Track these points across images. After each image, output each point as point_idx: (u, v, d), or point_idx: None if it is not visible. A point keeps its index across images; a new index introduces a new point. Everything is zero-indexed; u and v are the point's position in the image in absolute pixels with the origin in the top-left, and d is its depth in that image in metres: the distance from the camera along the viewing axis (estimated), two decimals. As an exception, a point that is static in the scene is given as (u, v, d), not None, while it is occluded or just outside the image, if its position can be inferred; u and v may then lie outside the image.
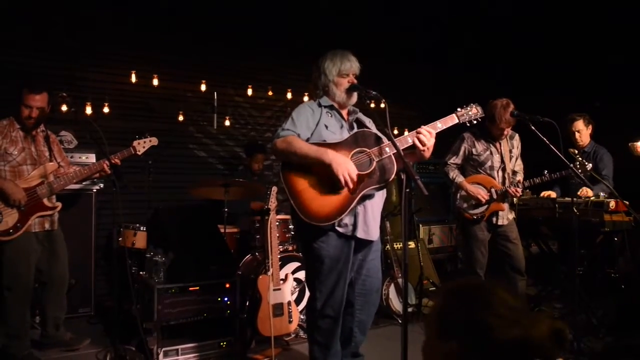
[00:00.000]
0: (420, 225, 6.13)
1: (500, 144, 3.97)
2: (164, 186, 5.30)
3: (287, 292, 3.80)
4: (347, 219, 2.74)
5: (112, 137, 4.39)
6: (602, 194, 4.18)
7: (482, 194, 3.87)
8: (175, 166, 5.50)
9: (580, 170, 3.58)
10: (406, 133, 2.82)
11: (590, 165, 3.74)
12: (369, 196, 2.79)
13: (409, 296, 4.53)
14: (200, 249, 3.92)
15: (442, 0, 6.45)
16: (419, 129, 2.74)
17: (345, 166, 2.61)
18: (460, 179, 3.97)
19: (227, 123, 5.83)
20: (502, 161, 3.96)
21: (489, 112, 3.76)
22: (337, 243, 2.75)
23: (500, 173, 3.96)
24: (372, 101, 2.83)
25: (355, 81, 2.91)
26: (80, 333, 3.94)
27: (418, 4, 6.45)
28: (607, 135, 4.53)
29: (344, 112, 2.96)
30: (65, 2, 4.91)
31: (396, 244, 5.07)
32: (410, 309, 4.53)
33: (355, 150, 2.75)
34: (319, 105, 2.90)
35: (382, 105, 2.61)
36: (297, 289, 4.09)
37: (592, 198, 4.17)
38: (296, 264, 4.13)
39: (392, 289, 4.59)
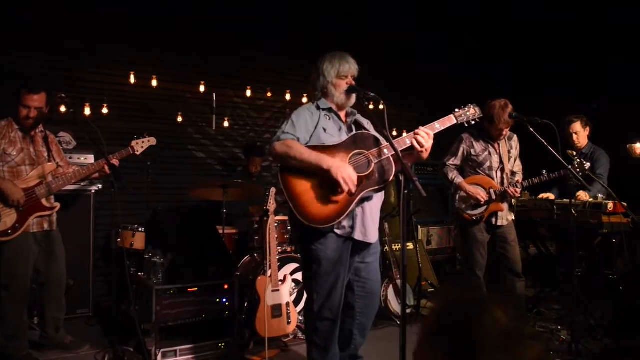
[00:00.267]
0: (419, 227, 6.13)
1: (499, 144, 3.98)
2: (163, 187, 5.29)
3: (286, 294, 3.80)
4: (346, 221, 2.74)
5: (110, 137, 4.40)
6: (600, 195, 4.19)
7: (481, 194, 3.88)
8: (174, 167, 5.51)
9: (578, 170, 3.59)
10: (405, 134, 2.82)
11: (589, 164, 3.75)
12: (368, 198, 2.79)
13: (407, 297, 4.54)
14: (198, 250, 3.92)
15: (442, 0, 6.47)
16: (416, 131, 2.74)
17: (344, 170, 2.61)
18: (459, 179, 3.98)
19: (226, 124, 5.83)
20: (501, 162, 3.97)
21: (487, 113, 3.76)
22: (335, 245, 2.75)
23: (499, 174, 3.97)
24: (371, 102, 2.83)
25: (353, 83, 2.91)
26: (78, 334, 3.94)
27: (418, 5, 6.47)
28: (605, 137, 4.55)
29: (342, 114, 2.97)
30: (65, 2, 4.91)
31: (395, 246, 5.07)
32: (408, 311, 4.52)
33: (353, 152, 2.75)
34: (318, 108, 2.90)
35: (381, 107, 2.61)
36: (296, 290, 4.09)
37: (590, 200, 4.18)
38: (295, 265, 4.13)
39: (390, 290, 4.59)
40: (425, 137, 2.72)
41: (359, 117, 3.04)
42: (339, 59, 2.89)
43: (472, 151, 3.99)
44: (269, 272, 3.73)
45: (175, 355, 3.50)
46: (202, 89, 5.64)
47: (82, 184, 4.37)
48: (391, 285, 4.60)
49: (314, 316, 2.82)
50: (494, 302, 1.13)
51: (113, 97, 5.20)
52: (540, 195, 4.52)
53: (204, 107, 5.75)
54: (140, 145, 3.71)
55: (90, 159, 4.53)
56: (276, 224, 4.14)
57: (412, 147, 2.74)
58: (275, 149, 2.75)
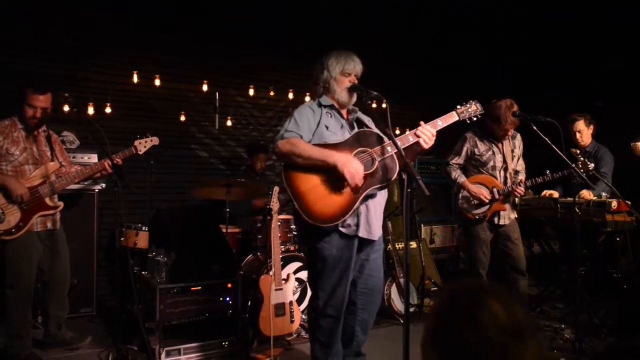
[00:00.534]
0: (422, 225, 6.13)
1: (502, 144, 3.97)
2: (166, 186, 5.31)
3: (289, 292, 3.80)
4: (350, 219, 2.74)
5: (114, 137, 4.39)
6: (604, 194, 4.18)
7: (484, 194, 3.87)
8: (177, 166, 5.52)
9: (582, 169, 3.58)
10: (407, 132, 2.83)
11: (592, 164, 3.74)
12: (372, 196, 2.80)
13: (410, 296, 4.55)
14: (202, 249, 3.92)
15: (442, 0, 6.46)
16: (419, 127, 2.77)
17: (351, 165, 2.63)
18: (462, 179, 3.97)
19: (229, 123, 5.84)
20: (504, 161, 3.96)
21: (493, 113, 3.76)
22: (340, 243, 2.75)
23: (502, 173, 3.96)
24: (374, 101, 2.84)
25: (356, 82, 2.92)
26: (82, 333, 3.94)
27: (418, 4, 6.46)
28: (609, 135, 4.53)
29: (344, 112, 2.97)
30: (65, 2, 4.92)
31: (398, 244, 5.06)
32: (412, 309, 4.53)
33: (357, 150, 2.75)
34: (319, 105, 2.91)
35: (384, 105, 2.62)
36: (299, 289, 4.09)
37: (594, 198, 4.17)
38: (298, 264, 4.14)
39: (394, 289, 4.58)
40: (428, 134, 2.75)
41: (360, 114, 3.05)
42: (345, 57, 2.91)
43: (476, 150, 3.98)
44: (272, 271, 3.74)
45: (178, 353, 3.50)
46: (205, 88, 5.65)
47: (85, 183, 4.38)
48: (394, 284, 4.60)
49: (318, 313, 2.83)
50: (493, 296, 1.11)
51: (116, 97, 5.21)
52: (544, 192, 4.51)
53: (207, 106, 5.76)
54: (143, 145, 3.72)
55: (93, 158, 4.54)
56: (279, 223, 4.14)
57: (414, 143, 2.77)
58: (279, 147, 2.75)
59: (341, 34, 5.40)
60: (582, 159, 3.68)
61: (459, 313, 1.10)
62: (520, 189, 3.84)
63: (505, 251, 3.95)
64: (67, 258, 3.76)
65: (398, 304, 4.54)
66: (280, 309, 3.70)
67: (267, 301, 3.67)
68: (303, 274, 4.10)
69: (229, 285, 3.77)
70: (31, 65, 4.78)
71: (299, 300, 4.05)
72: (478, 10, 6.38)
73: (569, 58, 6.14)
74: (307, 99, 5.89)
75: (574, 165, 3.53)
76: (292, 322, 3.76)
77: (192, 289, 3.63)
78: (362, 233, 2.78)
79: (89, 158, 4.54)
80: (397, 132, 6.34)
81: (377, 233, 2.88)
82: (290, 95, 6.15)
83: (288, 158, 2.74)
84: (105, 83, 5.17)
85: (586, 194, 4.21)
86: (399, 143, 2.63)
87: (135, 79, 5.28)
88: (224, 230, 4.24)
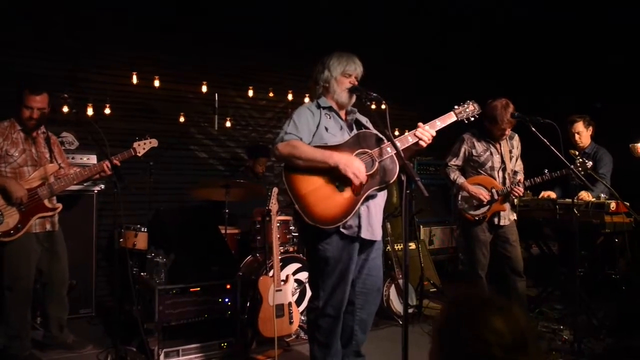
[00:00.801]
0: (421, 226, 6.13)
1: (500, 144, 3.97)
2: (165, 187, 5.31)
3: (288, 293, 3.80)
4: (352, 221, 2.75)
5: (113, 138, 4.40)
6: (602, 195, 4.18)
7: (483, 194, 3.87)
8: (176, 167, 5.51)
9: (580, 169, 3.58)
10: (406, 133, 2.84)
11: (591, 163, 3.74)
12: (372, 197, 2.81)
13: (409, 297, 4.55)
14: (201, 250, 3.93)
15: (442, 0, 6.47)
16: (418, 129, 2.80)
17: (353, 164, 2.65)
18: (461, 180, 3.97)
19: (228, 124, 5.84)
20: (503, 161, 3.96)
21: (489, 114, 3.76)
22: (340, 244, 2.76)
23: (500, 173, 3.96)
24: (373, 102, 2.85)
25: (356, 83, 2.93)
26: (81, 334, 3.94)
27: (418, 5, 6.47)
28: (608, 136, 4.54)
29: (342, 113, 2.98)
30: (65, 2, 4.92)
31: (397, 245, 5.07)
32: (410, 310, 4.53)
33: (357, 152, 2.76)
34: (318, 106, 2.91)
35: (383, 107, 2.63)
36: (298, 290, 4.10)
37: (592, 199, 4.17)
38: (297, 265, 4.14)
39: (392, 290, 4.58)
40: (427, 135, 2.79)
41: (358, 115, 3.06)
42: (346, 58, 2.92)
43: (474, 151, 3.98)
44: (271, 272, 3.74)
45: (177, 355, 3.50)
46: (204, 89, 5.65)
47: (84, 184, 4.38)
48: (393, 285, 4.60)
49: (318, 313, 2.84)
50: (496, 310, 1.12)
51: (115, 98, 5.20)
52: (542, 194, 4.51)
53: (206, 107, 5.75)
54: (142, 147, 3.72)
55: (92, 159, 4.54)
56: (278, 224, 4.14)
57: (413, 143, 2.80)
58: (279, 150, 2.76)
59: (341, 34, 5.41)
60: (580, 159, 3.68)
61: (463, 329, 1.12)
62: (519, 189, 3.84)
63: (503, 253, 3.95)
64: (66, 259, 3.76)
65: (397, 305, 4.55)
66: (279, 310, 3.70)
67: (266, 302, 3.67)
68: (302, 275, 4.10)
69: (228, 286, 3.77)
70: (31, 66, 4.77)
71: (298, 302, 4.05)
72: (478, 10, 6.40)
73: (568, 59, 6.15)
74: (307, 100, 5.90)
75: (572, 166, 3.54)
76: (291, 323, 3.76)
77: (191, 290, 3.63)
78: (364, 234, 2.79)
79: (88, 159, 4.54)
80: (397, 132, 6.35)
81: (378, 234, 2.90)
82: (290, 97, 6.16)
83: (289, 160, 2.74)
84: (104, 84, 5.16)
85: (585, 196, 4.21)
86: (398, 144, 2.64)
87: (134, 79, 5.27)
88: (223, 231, 4.24)
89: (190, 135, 5.70)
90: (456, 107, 2.98)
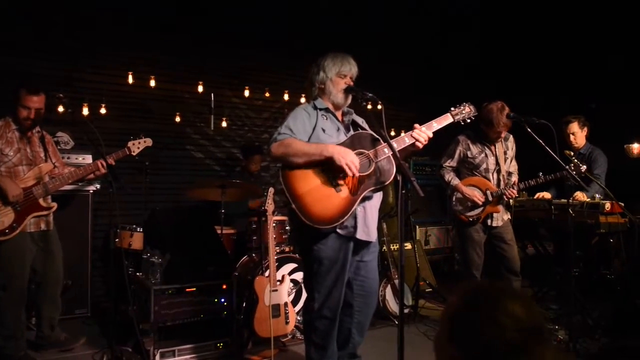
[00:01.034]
0: (417, 227, 6.14)
1: (495, 146, 3.99)
2: (161, 187, 5.29)
3: (284, 293, 3.80)
4: (348, 221, 2.75)
5: (109, 138, 4.39)
6: (597, 195, 4.20)
7: (477, 196, 3.88)
8: (172, 167, 5.50)
9: (574, 171, 3.60)
10: (403, 134, 2.85)
11: (585, 167, 3.75)
12: (368, 198, 2.81)
13: (405, 297, 4.56)
14: (196, 250, 3.92)
15: (440, 0, 6.48)
16: (414, 130, 2.81)
17: (346, 155, 2.65)
18: (455, 181, 3.98)
19: (224, 124, 5.84)
20: (497, 163, 3.97)
21: (485, 117, 3.77)
22: (336, 245, 2.76)
23: (495, 175, 3.97)
24: (369, 103, 2.85)
25: (352, 83, 2.93)
26: (76, 334, 3.93)
27: (416, 5, 6.47)
28: (603, 136, 4.55)
29: (339, 114, 2.98)
30: (65, 2, 4.91)
31: (393, 245, 5.07)
32: (406, 310, 4.53)
33: (354, 153, 2.76)
34: (314, 107, 2.91)
35: (379, 107, 2.63)
36: (294, 290, 4.09)
37: (587, 200, 4.19)
38: (293, 265, 4.13)
39: (388, 290, 4.59)
40: (424, 136, 2.80)
41: (354, 116, 3.06)
42: (341, 59, 2.92)
43: (469, 153, 4.00)
44: (267, 272, 3.73)
45: (173, 355, 3.50)
46: (200, 89, 5.64)
47: (79, 183, 4.37)
48: (389, 285, 4.61)
49: (314, 315, 2.83)
50: (512, 296, 1.12)
51: (111, 97, 5.19)
52: (537, 195, 4.53)
53: (202, 107, 5.75)
54: (137, 146, 3.72)
55: (88, 159, 4.53)
56: (274, 224, 4.13)
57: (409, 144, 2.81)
58: (273, 150, 2.76)
59: (340, 35, 5.42)
60: (575, 160, 3.70)
61: (479, 313, 1.11)
62: (514, 191, 3.86)
63: (500, 252, 3.96)
64: (61, 259, 3.75)
65: (393, 305, 4.55)
66: (275, 310, 3.69)
67: (262, 302, 3.67)
68: (298, 275, 4.10)
69: (224, 287, 3.77)
70: (30, 66, 4.75)
71: (294, 302, 4.05)
72: (477, 9, 6.41)
73: (563, 60, 6.17)
74: (303, 100, 5.90)
75: (567, 167, 3.55)
76: (287, 323, 3.76)
77: (187, 290, 3.63)
78: (360, 235, 2.79)
79: (83, 159, 4.52)
80: (392, 133, 6.36)
81: (374, 235, 2.90)
82: (286, 97, 6.15)
83: (283, 160, 2.74)
84: (100, 84, 5.15)
85: (580, 196, 4.23)
86: (395, 145, 2.65)
87: (130, 79, 5.26)
88: (219, 231, 4.23)
89: (186, 135, 5.69)
90: (453, 108, 2.99)
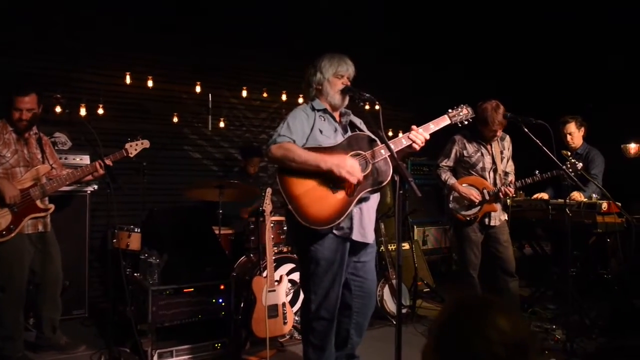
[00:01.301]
0: (415, 227, 6.15)
1: (491, 145, 3.99)
2: (159, 188, 5.29)
3: (282, 294, 3.80)
4: (344, 223, 2.75)
5: (106, 138, 4.38)
6: (594, 195, 4.21)
7: (474, 195, 3.89)
8: (169, 168, 5.50)
9: (571, 171, 3.61)
10: (400, 135, 2.85)
11: (581, 164, 3.76)
12: (365, 199, 2.81)
13: (403, 297, 4.56)
14: (194, 251, 3.92)
15: (439, 2, 6.49)
16: (411, 132, 2.80)
17: (345, 164, 2.64)
18: (452, 180, 3.99)
19: (222, 125, 5.84)
20: (494, 162, 3.98)
21: (480, 116, 3.78)
22: (332, 245, 2.76)
23: (491, 174, 3.98)
24: (367, 103, 2.86)
25: (349, 84, 2.93)
26: (74, 335, 3.93)
27: (416, 5, 6.48)
28: (600, 136, 4.56)
29: (336, 115, 2.98)
30: (65, 2, 4.90)
31: (390, 246, 5.07)
32: (404, 310, 4.54)
33: (351, 154, 2.76)
34: (312, 108, 2.91)
35: (377, 107, 2.63)
36: (292, 291, 4.09)
37: (584, 200, 4.20)
38: (291, 266, 4.14)
39: (386, 290, 4.59)
40: (421, 138, 2.80)
41: (352, 117, 3.06)
42: (337, 59, 2.92)
43: (465, 152, 4.00)
44: (265, 273, 3.73)
45: (171, 355, 3.50)
46: (198, 89, 5.64)
47: (77, 184, 4.36)
48: (387, 285, 4.61)
49: (311, 316, 2.83)
50: (498, 309, 1.12)
51: (108, 98, 5.19)
52: (535, 195, 4.54)
53: (200, 107, 5.75)
54: (134, 148, 3.71)
55: (85, 159, 4.52)
56: (272, 225, 4.14)
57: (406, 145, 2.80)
58: (272, 152, 2.75)
59: (340, 35, 5.42)
60: (571, 159, 3.71)
61: (466, 327, 1.12)
62: (510, 189, 3.86)
63: (495, 254, 3.97)
64: (59, 260, 3.74)
65: (390, 305, 4.55)
66: (272, 310, 3.70)
67: (260, 303, 3.67)
68: (296, 276, 4.10)
69: (222, 287, 3.77)
70: (28, 66, 4.74)
71: (292, 302, 4.05)
72: (475, 11, 6.41)
73: (561, 60, 6.18)
74: (301, 100, 5.91)
75: (564, 166, 3.56)
76: (284, 323, 3.76)
77: (185, 290, 3.62)
78: (355, 236, 2.78)
79: (80, 159, 4.52)
80: (390, 133, 6.37)
81: (370, 236, 2.89)
82: (284, 97, 6.15)
83: (281, 163, 2.74)
84: (97, 84, 5.14)
85: (577, 196, 4.24)
86: (392, 146, 2.65)
87: (128, 80, 5.25)
88: (216, 232, 4.23)
89: (184, 136, 5.68)
90: (450, 110, 3.00)
